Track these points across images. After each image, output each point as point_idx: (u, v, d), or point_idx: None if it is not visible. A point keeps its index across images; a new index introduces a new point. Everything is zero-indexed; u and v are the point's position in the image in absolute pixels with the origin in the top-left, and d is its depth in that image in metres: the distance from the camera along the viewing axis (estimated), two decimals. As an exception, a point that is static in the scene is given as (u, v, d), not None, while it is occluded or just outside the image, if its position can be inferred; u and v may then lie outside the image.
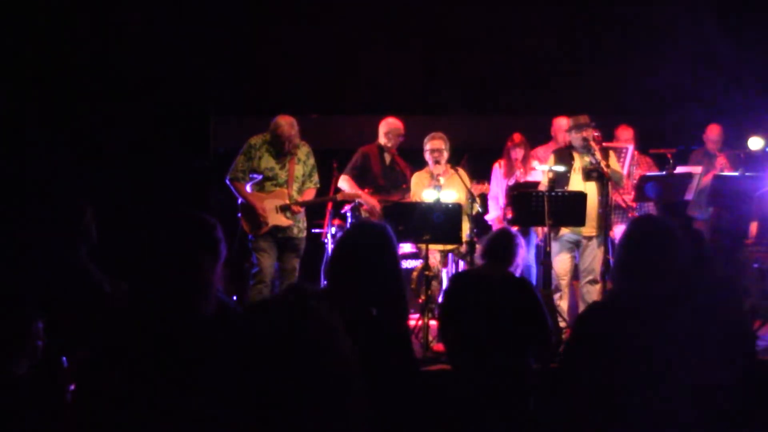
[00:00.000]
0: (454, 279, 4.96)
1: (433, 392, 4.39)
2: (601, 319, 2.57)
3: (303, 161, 6.23)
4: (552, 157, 6.29)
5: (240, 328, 2.39)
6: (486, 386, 4.05)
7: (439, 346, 5.11)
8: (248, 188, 6.16)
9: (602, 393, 2.47)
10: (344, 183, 6.57)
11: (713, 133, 7.44)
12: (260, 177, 6.13)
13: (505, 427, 4.03)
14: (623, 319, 2.50)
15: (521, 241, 4.44)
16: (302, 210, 6.17)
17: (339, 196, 6.49)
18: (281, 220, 6.07)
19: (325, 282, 2.79)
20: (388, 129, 6.59)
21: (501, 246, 4.34)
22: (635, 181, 6.54)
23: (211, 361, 2.30)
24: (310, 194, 6.27)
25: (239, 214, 6.17)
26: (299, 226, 6.18)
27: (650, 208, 6.79)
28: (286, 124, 6.09)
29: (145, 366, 2.35)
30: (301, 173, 6.20)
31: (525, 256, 4.70)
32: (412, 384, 2.78)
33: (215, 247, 2.50)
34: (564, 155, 6.24)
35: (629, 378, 2.43)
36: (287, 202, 6.10)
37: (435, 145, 6.42)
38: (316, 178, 6.32)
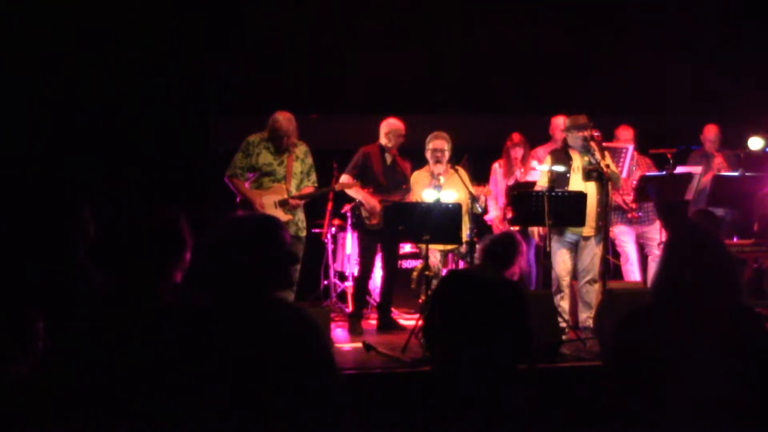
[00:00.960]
0: (446, 277, 4.95)
1: (432, 392, 4.39)
2: (643, 328, 2.57)
3: (301, 159, 6.23)
4: (549, 158, 6.28)
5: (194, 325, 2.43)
6: (468, 384, 4.02)
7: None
8: (246, 186, 6.17)
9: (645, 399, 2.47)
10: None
11: (710, 132, 7.43)
12: (258, 174, 6.14)
13: (487, 427, 4.01)
14: (666, 328, 2.50)
15: (524, 248, 4.41)
16: (301, 204, 6.17)
17: (337, 186, 6.50)
18: (279, 216, 6.07)
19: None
20: (389, 129, 6.58)
21: (500, 248, 4.31)
22: (635, 182, 6.53)
23: (167, 355, 2.33)
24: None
25: (238, 212, 6.17)
26: (298, 224, 6.18)
27: (650, 208, 6.79)
28: (284, 119, 6.10)
29: (106, 359, 2.37)
30: (299, 170, 6.20)
31: (525, 264, 4.67)
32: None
33: (175, 240, 2.53)
34: (560, 155, 6.23)
35: (672, 384, 2.44)
36: (285, 197, 6.10)
37: (437, 145, 6.42)
38: (314, 177, 6.32)
